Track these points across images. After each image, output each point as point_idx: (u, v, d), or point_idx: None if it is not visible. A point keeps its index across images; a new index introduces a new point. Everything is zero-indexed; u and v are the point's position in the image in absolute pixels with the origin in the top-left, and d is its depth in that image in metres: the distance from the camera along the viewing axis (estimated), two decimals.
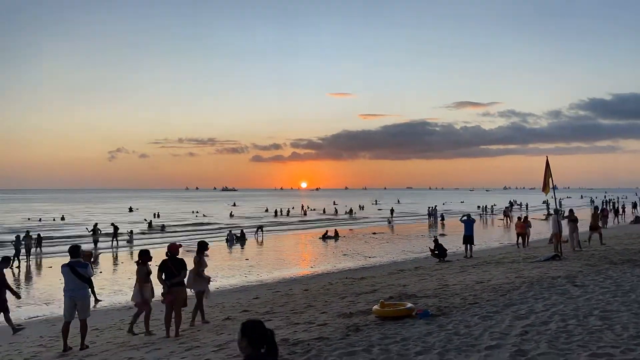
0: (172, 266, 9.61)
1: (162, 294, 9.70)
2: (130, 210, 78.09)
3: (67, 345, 9.05)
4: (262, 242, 34.79)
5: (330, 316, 9.54)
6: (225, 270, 21.60)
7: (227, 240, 33.24)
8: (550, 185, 17.76)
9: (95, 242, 32.09)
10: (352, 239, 34.75)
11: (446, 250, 20.91)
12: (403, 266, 19.68)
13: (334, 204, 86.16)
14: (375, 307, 8.94)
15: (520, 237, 25.04)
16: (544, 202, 74.74)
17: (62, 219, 56.57)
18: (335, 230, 36.92)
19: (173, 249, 9.95)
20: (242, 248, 30.84)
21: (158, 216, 59.72)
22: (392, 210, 59.88)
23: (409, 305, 8.88)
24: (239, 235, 34.52)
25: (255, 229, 39.27)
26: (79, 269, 9.02)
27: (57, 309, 14.83)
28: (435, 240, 21.84)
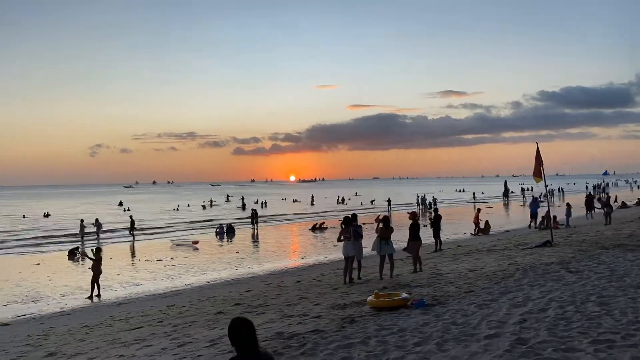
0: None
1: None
2: (121, 204, 77.43)
3: None
4: (256, 233, 34.52)
5: (324, 308, 9.40)
6: (216, 264, 21.40)
7: (216, 234, 32.99)
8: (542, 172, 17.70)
9: (82, 237, 31.89)
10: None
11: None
12: (394, 255, 19.58)
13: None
14: (370, 297, 8.82)
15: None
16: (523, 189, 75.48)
17: (47, 215, 55.72)
18: (322, 222, 36.78)
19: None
20: (231, 241, 30.61)
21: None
22: (389, 201, 59.34)
23: (404, 295, 8.78)
24: (227, 228, 34.26)
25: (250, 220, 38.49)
26: None
27: (46, 306, 14.57)
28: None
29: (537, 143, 17.59)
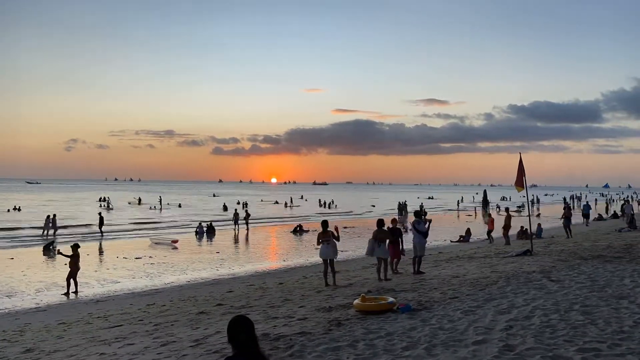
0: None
1: None
2: (103, 200, 76.40)
3: None
4: (238, 234, 34.23)
5: (309, 310, 9.36)
6: (196, 263, 21.16)
7: (196, 233, 32.65)
8: (524, 183, 17.95)
9: (55, 231, 31.20)
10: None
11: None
12: (372, 261, 19.63)
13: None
14: (356, 301, 8.80)
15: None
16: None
17: (18, 209, 54.47)
18: (300, 225, 36.76)
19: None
20: (211, 241, 30.34)
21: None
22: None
23: (391, 299, 8.79)
24: (207, 227, 33.93)
25: (232, 220, 38.01)
26: None
27: (20, 301, 14.21)
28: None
29: (519, 153, 17.80)
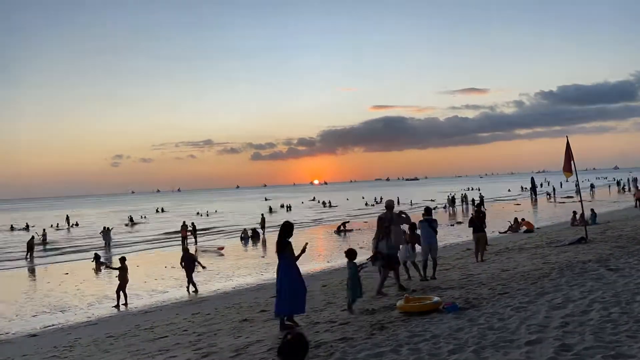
0: None
1: None
2: (162, 210, 79.03)
3: None
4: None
5: (352, 313, 9.08)
6: (242, 269, 21.26)
7: (241, 239, 32.94)
8: (573, 167, 17.04)
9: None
10: (367, 232, 34.16)
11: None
12: (421, 257, 19.11)
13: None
14: (400, 302, 8.47)
15: None
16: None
17: (76, 224, 56.76)
18: (343, 223, 36.50)
19: None
20: (256, 246, 30.50)
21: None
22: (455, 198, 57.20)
23: (436, 298, 8.40)
24: (252, 233, 34.13)
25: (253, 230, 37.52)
26: None
27: (73, 316, 14.58)
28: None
29: (567, 137, 16.97)
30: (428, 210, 12.99)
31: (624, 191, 65.26)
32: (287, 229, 8.82)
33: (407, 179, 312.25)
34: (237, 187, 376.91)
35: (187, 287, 16.95)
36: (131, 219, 58.14)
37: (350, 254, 9.59)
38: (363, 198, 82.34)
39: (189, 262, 17.22)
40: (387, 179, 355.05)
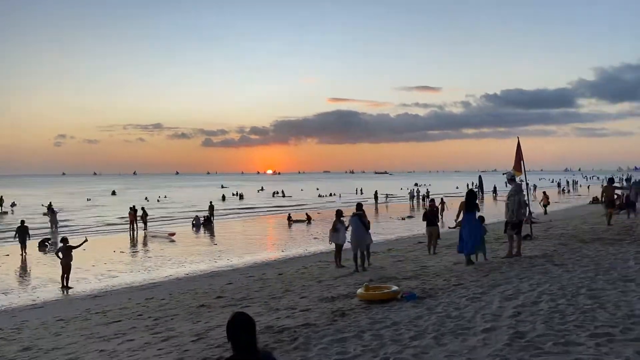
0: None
1: None
2: (114, 193, 76.44)
3: None
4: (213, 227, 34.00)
5: (312, 301, 9.21)
6: (194, 255, 20.98)
7: (193, 225, 32.43)
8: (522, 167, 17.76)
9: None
10: (321, 222, 34.46)
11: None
12: (375, 248, 19.48)
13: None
14: (360, 290, 8.66)
15: None
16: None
17: (13, 204, 54.07)
18: (307, 213, 36.69)
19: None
20: (209, 233, 30.14)
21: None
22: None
23: (395, 287, 8.64)
24: (203, 220, 33.67)
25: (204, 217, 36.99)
26: None
27: (17, 298, 14.01)
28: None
29: (518, 137, 17.60)
30: (359, 206, 14.24)
31: (564, 192, 68.63)
32: (471, 195, 12.33)
33: (377, 172, 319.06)
34: (177, 172, 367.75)
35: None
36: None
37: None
38: (317, 189, 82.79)
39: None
40: (352, 172, 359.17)
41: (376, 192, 57.17)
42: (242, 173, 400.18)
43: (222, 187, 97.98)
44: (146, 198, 64.36)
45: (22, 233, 22.24)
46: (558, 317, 6.41)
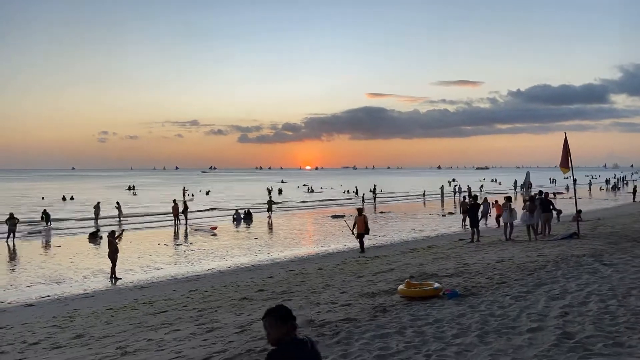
0: None
1: None
2: (131, 188, 78.84)
3: None
4: (271, 221, 34.40)
5: (352, 296, 9.23)
6: (235, 249, 21.36)
7: (234, 220, 32.98)
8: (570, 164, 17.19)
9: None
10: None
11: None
12: (415, 245, 19.38)
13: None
14: (401, 286, 8.63)
15: None
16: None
17: (72, 198, 56.57)
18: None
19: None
20: (249, 227, 30.59)
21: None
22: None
23: (437, 285, 8.57)
24: (245, 214, 34.21)
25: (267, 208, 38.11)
26: None
27: (69, 287, 14.63)
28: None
29: (564, 133, 17.10)
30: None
31: (615, 189, 66.17)
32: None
33: (477, 168, 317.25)
34: (211, 167, 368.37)
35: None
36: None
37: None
38: (341, 186, 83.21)
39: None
40: (439, 167, 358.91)
41: (374, 186, 57.60)
42: (281, 168, 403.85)
43: (282, 182, 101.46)
44: (207, 192, 66.48)
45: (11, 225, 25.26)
46: (608, 319, 6.23)
